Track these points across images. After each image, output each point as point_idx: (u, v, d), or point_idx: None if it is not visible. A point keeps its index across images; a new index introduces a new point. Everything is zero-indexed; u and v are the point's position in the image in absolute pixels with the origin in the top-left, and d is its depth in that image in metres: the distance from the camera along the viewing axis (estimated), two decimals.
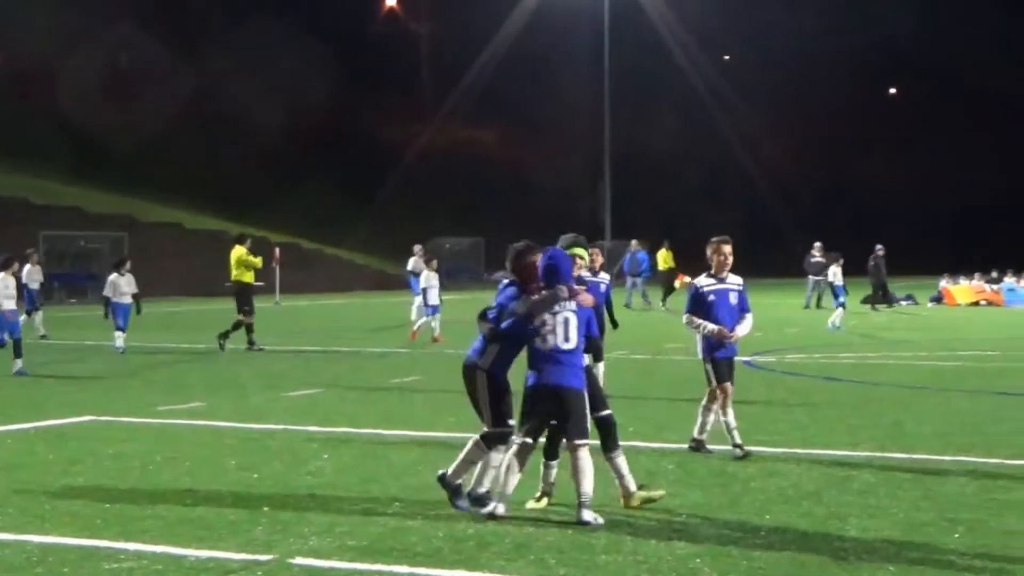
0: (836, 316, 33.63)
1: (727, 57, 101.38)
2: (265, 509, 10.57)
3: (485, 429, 10.62)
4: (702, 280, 13.41)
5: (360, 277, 69.08)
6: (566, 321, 10.49)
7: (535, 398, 10.55)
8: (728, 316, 13.23)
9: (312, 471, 12.43)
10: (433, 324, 29.74)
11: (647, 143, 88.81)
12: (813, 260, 44.60)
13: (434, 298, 29.82)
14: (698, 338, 13.42)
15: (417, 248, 39.15)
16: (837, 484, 11.64)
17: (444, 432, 14.99)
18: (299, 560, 8.97)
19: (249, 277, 28.30)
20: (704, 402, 13.44)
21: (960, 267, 53.83)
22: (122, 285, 27.14)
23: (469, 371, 10.85)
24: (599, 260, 16.81)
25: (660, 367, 23.78)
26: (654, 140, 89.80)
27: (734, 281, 13.38)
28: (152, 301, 27.17)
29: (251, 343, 27.67)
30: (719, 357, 13.27)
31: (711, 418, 13.40)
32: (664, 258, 47.59)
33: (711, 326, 13.08)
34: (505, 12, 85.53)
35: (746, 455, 12.95)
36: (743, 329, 13.29)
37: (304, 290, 58.97)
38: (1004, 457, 12.97)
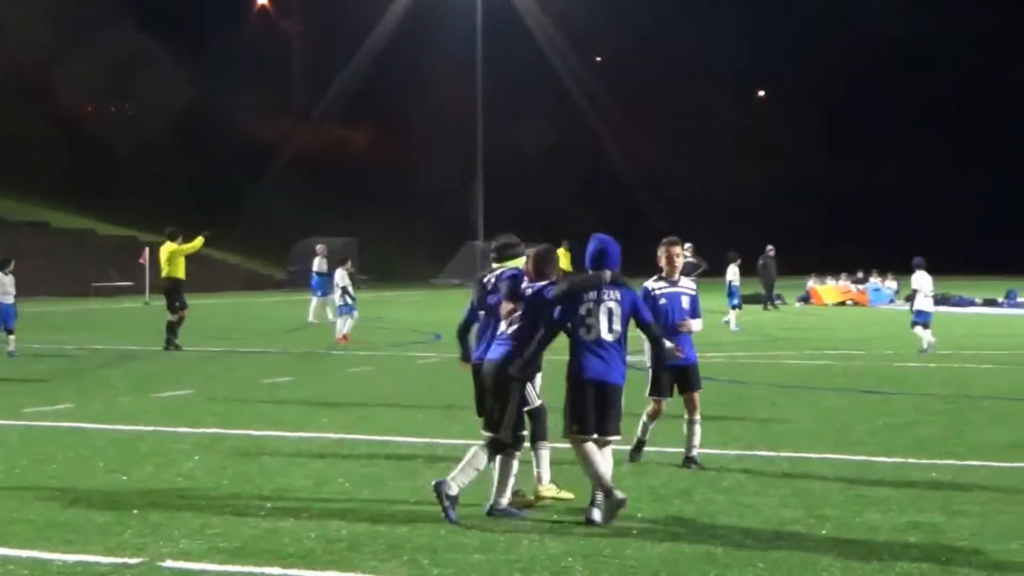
0: (731, 317, 33.90)
1: (599, 58, 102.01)
2: (135, 512, 10.43)
3: (490, 435, 10.45)
4: (651, 283, 12.70)
5: (232, 277, 68.46)
6: (609, 311, 10.46)
7: (581, 392, 10.43)
8: (680, 320, 12.54)
9: (183, 473, 12.31)
10: (346, 323, 29.59)
11: (521, 143, 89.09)
12: (685, 260, 44.96)
13: (339, 299, 29.64)
14: (646, 346, 12.24)
15: (320, 248, 38.47)
16: (707, 483, 11.76)
17: (316, 432, 14.92)
18: (169, 563, 8.88)
19: (181, 272, 28.27)
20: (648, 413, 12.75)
21: (826, 267, 54.65)
22: (8, 284, 26.35)
23: (503, 378, 10.48)
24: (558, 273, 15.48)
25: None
26: (528, 140, 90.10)
27: (687, 284, 12.78)
28: (19, 301, 26.75)
29: (170, 341, 27.39)
30: (661, 367, 12.37)
31: (697, 430, 12.54)
32: (562, 258, 47.51)
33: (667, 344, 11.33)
34: (379, 12, 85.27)
35: (693, 466, 12.38)
36: (697, 325, 12.64)
37: None
38: (869, 455, 13.19)
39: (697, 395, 12.68)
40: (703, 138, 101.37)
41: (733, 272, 34.69)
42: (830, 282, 51.71)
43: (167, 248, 28.31)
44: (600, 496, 10.11)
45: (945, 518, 10.24)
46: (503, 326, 10.73)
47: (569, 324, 10.49)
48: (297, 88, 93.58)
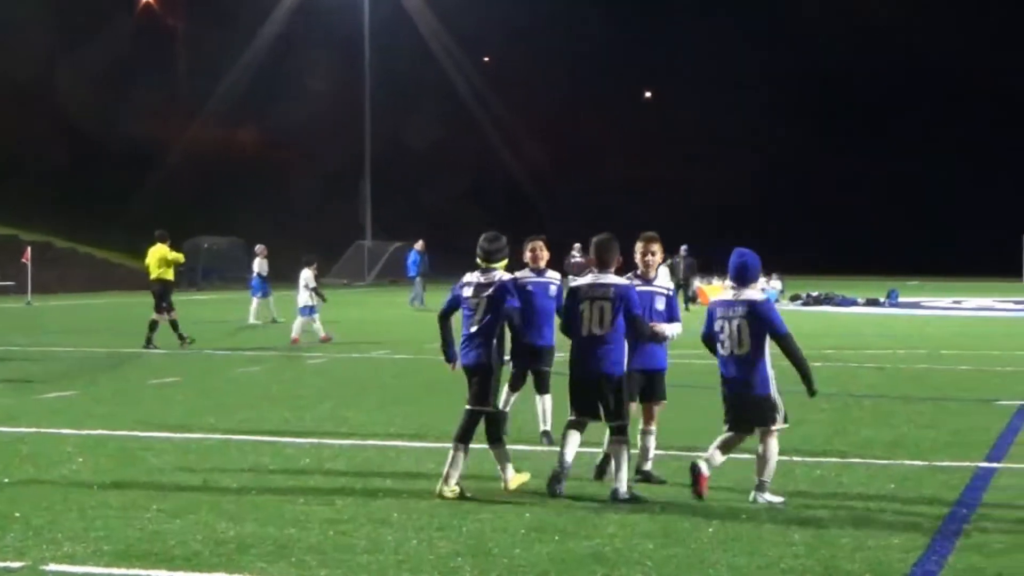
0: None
1: (487, 59, 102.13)
2: (17, 515, 10.27)
3: (616, 424, 11.14)
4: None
5: (117, 277, 67.56)
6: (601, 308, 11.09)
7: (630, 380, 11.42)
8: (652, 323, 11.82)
9: (66, 474, 12.13)
10: (315, 325, 29.44)
11: (409, 143, 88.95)
12: (573, 260, 45.17)
13: (306, 299, 29.41)
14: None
15: (259, 248, 38.06)
16: (598, 481, 11.81)
17: (203, 434, 14.79)
18: (53, 566, 8.75)
19: (170, 275, 28.40)
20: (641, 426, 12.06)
21: (713, 267, 55.10)
22: None
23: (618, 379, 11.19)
24: (544, 256, 14.27)
25: (420, 366, 23.79)
26: (416, 140, 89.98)
27: (662, 284, 12.21)
28: None
29: (181, 337, 27.56)
30: (631, 368, 11.53)
31: (651, 442, 12.00)
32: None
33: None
34: (266, 10, 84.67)
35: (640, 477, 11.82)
36: (672, 329, 12.00)
37: (58, 289, 57.48)
38: (754, 453, 13.31)
39: (658, 407, 12.13)
40: (591, 138, 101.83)
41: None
42: (716, 282, 52.15)
43: (157, 250, 28.32)
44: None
45: (828, 514, 10.40)
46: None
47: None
48: (183, 86, 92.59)
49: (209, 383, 20.86)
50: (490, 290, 11.35)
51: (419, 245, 47.35)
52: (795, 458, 13.01)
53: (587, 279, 11.37)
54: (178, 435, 14.70)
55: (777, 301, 49.16)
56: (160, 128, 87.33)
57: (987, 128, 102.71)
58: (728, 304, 10.99)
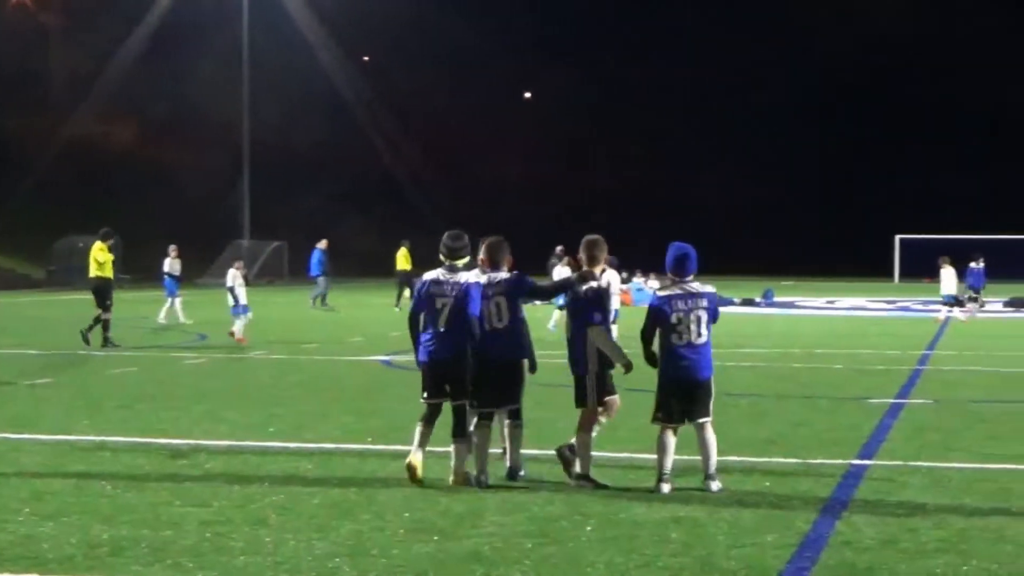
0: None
1: (367, 58, 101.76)
2: None
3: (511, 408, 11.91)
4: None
5: None
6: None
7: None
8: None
9: None
10: (239, 322, 29.05)
11: (289, 142, 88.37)
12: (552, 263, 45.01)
13: (243, 297, 29.11)
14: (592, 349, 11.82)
15: (172, 248, 37.45)
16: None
17: (76, 435, 14.59)
18: None
19: (109, 272, 28.29)
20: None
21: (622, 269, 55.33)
22: None
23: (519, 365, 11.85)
24: (508, 260, 12.83)
25: (299, 367, 23.65)
26: (297, 140, 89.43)
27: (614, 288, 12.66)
28: None
29: (107, 340, 27.43)
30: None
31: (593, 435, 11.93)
32: (404, 257, 46.94)
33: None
34: (143, 8, 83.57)
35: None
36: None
37: None
38: (633, 452, 13.44)
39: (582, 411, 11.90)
40: (472, 138, 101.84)
41: (558, 272, 34.91)
42: (652, 282, 52.42)
43: (98, 247, 28.32)
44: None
45: (705, 513, 10.51)
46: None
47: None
48: (57, 83, 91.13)
49: (83, 384, 20.57)
50: (456, 290, 11.78)
51: (323, 244, 46.83)
52: (673, 456, 13.13)
53: (483, 279, 11.94)
54: (51, 437, 14.48)
55: None
56: (33, 125, 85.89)
57: (860, 129, 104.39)
58: (688, 296, 11.61)
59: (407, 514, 10.37)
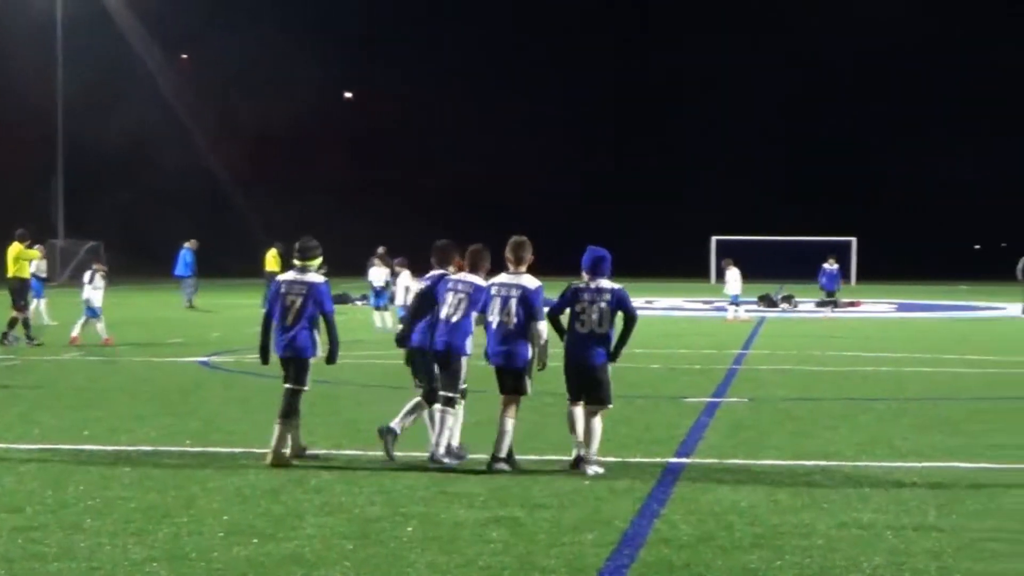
0: (385, 316, 33.59)
1: (185, 56, 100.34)
2: None
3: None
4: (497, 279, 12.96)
5: None
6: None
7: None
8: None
9: None
10: (99, 326, 28.27)
11: (105, 140, 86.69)
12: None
13: (97, 300, 28.34)
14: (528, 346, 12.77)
15: (39, 248, 36.28)
16: (295, 482, 11.78)
17: None
18: None
19: (26, 272, 28.84)
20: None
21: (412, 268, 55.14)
22: None
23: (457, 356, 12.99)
24: (484, 266, 13.56)
25: (115, 369, 23.25)
26: (112, 138, 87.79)
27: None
28: None
29: (29, 338, 27.73)
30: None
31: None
32: (274, 259, 46.21)
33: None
34: None
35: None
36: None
37: None
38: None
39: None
40: (293, 137, 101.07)
41: (375, 273, 34.73)
42: (416, 282, 52.11)
43: (15, 248, 28.78)
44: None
45: (525, 512, 10.58)
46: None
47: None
48: None
49: None
50: (306, 289, 12.96)
51: (192, 244, 45.90)
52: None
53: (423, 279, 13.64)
54: None
55: None
56: None
57: (679, 132, 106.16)
58: (595, 291, 12.81)
59: (226, 517, 10.27)
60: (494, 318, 12.79)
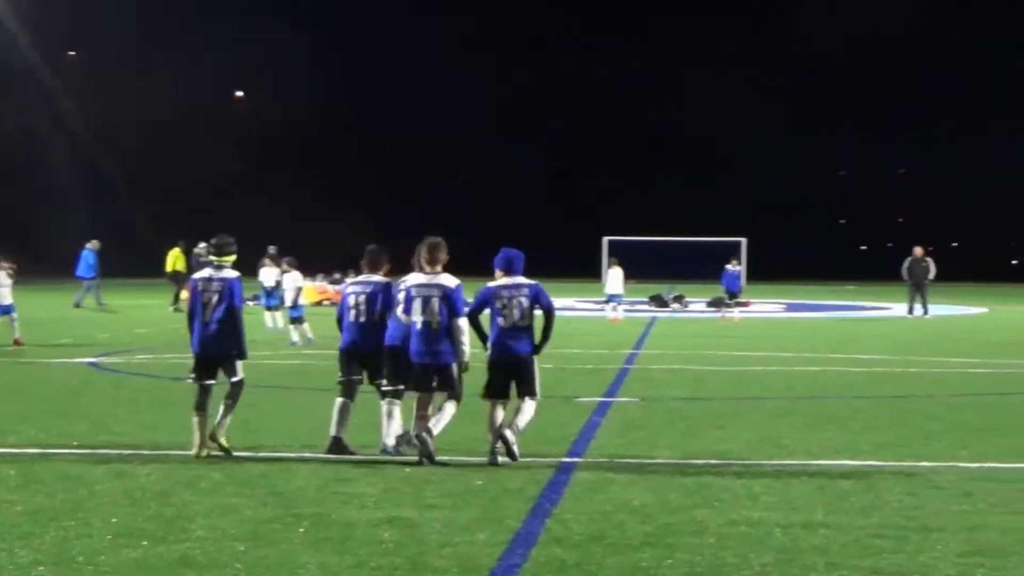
0: (276, 316, 33.32)
1: (72, 52, 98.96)
2: None
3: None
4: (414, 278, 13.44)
5: None
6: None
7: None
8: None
9: None
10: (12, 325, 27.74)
11: None
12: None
13: (6, 297, 27.82)
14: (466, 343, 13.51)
15: None
16: (185, 484, 11.68)
17: None
18: None
19: None
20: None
21: (305, 269, 55.02)
22: None
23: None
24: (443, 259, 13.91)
25: (1, 369, 22.90)
26: None
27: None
28: None
29: None
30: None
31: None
32: (176, 259, 45.45)
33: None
34: None
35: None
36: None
37: None
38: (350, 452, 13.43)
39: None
40: (187, 136, 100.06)
41: (265, 274, 34.44)
42: (307, 282, 52.12)
43: None
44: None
45: (417, 512, 10.58)
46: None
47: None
48: None
49: None
50: (222, 286, 13.24)
51: (94, 244, 45.05)
52: (383, 457, 13.21)
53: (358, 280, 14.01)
54: None
55: None
56: None
57: (568, 135, 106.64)
58: (513, 287, 13.40)
59: (115, 519, 10.16)
60: (417, 318, 13.07)
